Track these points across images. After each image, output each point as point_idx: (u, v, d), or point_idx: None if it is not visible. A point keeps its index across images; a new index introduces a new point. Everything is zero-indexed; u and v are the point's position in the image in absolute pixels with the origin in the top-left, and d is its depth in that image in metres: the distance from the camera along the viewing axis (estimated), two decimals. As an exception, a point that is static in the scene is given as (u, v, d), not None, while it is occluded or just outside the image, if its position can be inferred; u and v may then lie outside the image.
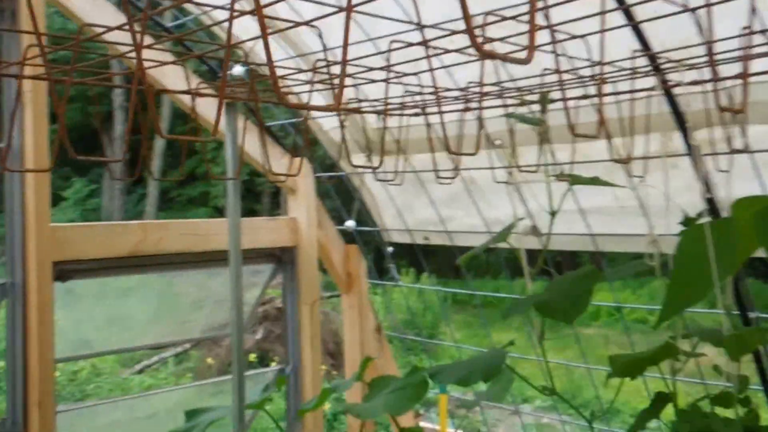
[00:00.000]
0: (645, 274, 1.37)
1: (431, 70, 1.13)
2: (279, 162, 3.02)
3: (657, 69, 1.61)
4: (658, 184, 1.94)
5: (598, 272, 1.44)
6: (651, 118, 1.81)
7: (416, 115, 2.03)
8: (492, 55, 0.58)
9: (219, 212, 15.77)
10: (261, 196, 16.95)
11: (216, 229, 2.67)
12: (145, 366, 8.83)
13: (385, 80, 1.51)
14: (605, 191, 2.23)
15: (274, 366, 4.47)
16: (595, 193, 2.26)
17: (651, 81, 1.73)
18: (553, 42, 1.15)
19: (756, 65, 1.65)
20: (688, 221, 1.32)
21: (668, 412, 1.19)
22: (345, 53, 0.74)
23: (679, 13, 1.35)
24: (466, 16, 0.54)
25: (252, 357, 7.80)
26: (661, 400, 1.20)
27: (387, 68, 1.46)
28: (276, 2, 0.83)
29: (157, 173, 15.98)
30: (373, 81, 1.48)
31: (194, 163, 15.81)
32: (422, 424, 3.21)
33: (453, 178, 2.02)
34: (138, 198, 17.56)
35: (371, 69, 1.51)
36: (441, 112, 1.78)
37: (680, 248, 1.18)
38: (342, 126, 1.70)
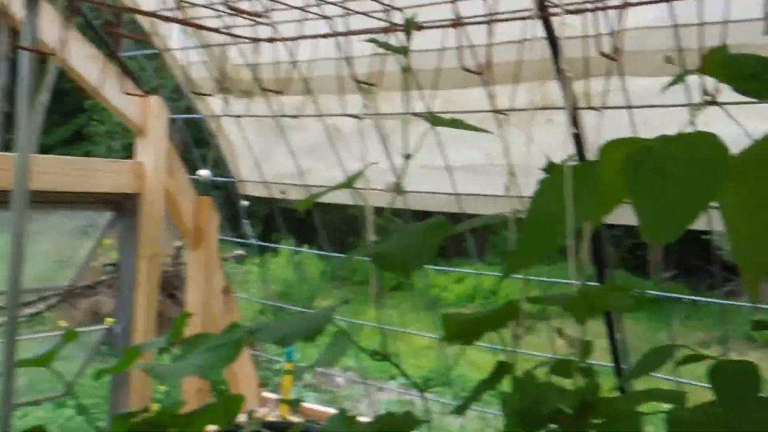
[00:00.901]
0: (499, 225, 1.18)
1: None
2: (129, 99, 2.70)
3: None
4: (530, 140, 1.78)
5: (446, 223, 1.25)
6: (528, 65, 1.64)
7: (270, 40, 1.77)
8: None
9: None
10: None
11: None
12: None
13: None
14: (476, 146, 2.06)
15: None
16: (463, 149, 2.09)
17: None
18: None
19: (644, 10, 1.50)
20: (551, 167, 1.14)
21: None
22: None
23: None
24: None
25: (108, 321, 7.34)
26: (501, 370, 1.02)
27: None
28: None
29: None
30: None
31: (82, 121, 14.93)
32: (266, 394, 2.99)
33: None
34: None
35: None
36: (298, 38, 1.54)
37: (537, 192, 1.00)
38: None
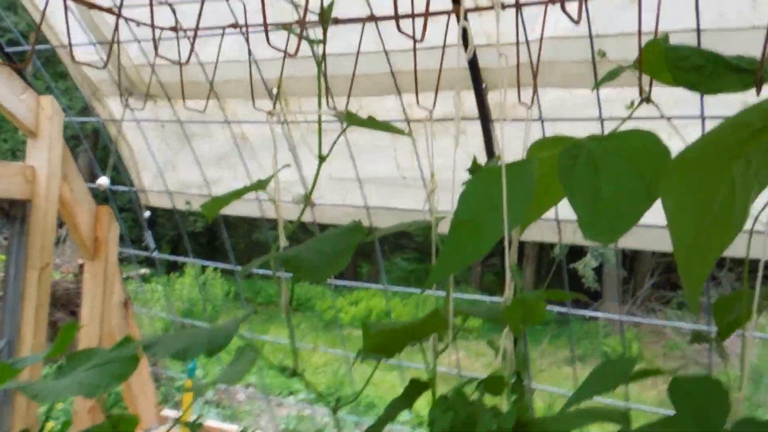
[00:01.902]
0: (418, 231, 1.07)
1: None
2: (19, 98, 2.46)
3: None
4: (443, 152, 1.69)
5: (362, 228, 1.13)
6: (445, 73, 1.54)
7: (173, 29, 1.61)
8: None
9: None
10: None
11: None
12: None
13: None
14: (387, 158, 1.95)
15: None
16: (375, 159, 1.97)
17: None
18: None
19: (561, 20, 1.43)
20: (475, 167, 1.04)
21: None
22: None
23: None
24: None
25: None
26: (416, 387, 0.90)
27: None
28: None
29: None
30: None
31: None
32: (167, 412, 2.77)
33: (202, 111, 1.65)
34: None
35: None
36: (205, 29, 1.38)
37: (465, 193, 0.90)
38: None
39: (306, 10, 1.14)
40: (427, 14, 0.88)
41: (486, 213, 0.85)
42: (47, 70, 2.84)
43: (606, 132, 1.59)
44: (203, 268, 11.42)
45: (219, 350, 1.09)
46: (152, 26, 1.05)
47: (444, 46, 0.93)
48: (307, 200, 1.33)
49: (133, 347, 1.16)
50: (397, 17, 0.76)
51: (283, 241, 1.22)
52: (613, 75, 0.90)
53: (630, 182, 0.77)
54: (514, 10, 1.24)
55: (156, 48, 1.09)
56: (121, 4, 1.00)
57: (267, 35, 0.85)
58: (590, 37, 1.38)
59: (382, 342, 0.89)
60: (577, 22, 0.66)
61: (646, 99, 0.88)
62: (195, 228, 13.40)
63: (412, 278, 14.67)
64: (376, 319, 12.09)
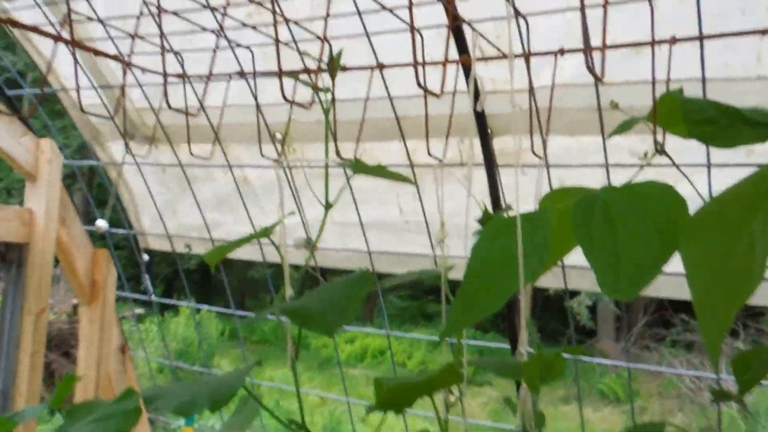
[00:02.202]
0: (429, 280, 1.05)
1: None
2: (19, 141, 2.46)
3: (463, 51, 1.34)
4: (447, 197, 1.68)
5: (371, 276, 1.11)
6: (451, 119, 1.54)
7: (180, 76, 1.60)
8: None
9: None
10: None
11: None
12: None
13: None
14: (389, 202, 1.94)
15: None
16: (378, 204, 1.96)
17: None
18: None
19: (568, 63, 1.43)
20: (486, 217, 1.03)
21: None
22: None
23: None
24: None
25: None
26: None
27: None
28: None
29: None
30: None
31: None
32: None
33: (208, 158, 1.64)
34: None
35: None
36: (211, 75, 1.39)
37: (477, 245, 0.88)
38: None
39: (321, 59, 1.13)
40: (446, 66, 0.88)
41: (500, 265, 0.84)
42: (44, 107, 2.83)
43: (614, 179, 1.59)
44: (187, 295, 11.36)
45: (223, 405, 1.06)
46: (164, 75, 1.04)
47: (454, 93, 0.92)
48: (312, 248, 1.31)
49: (135, 400, 1.13)
50: (416, 72, 0.76)
51: (289, 291, 1.21)
52: (627, 126, 0.90)
53: (647, 236, 0.76)
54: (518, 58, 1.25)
55: (166, 98, 1.08)
56: (131, 53, 1.00)
57: (282, 91, 0.84)
58: (596, 85, 1.38)
59: (393, 397, 0.87)
60: (600, 80, 0.66)
61: (660, 151, 0.88)
62: (189, 265, 13.37)
63: (405, 315, 14.63)
64: (371, 358, 12.05)
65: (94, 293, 2.61)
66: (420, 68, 1.21)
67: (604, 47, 0.80)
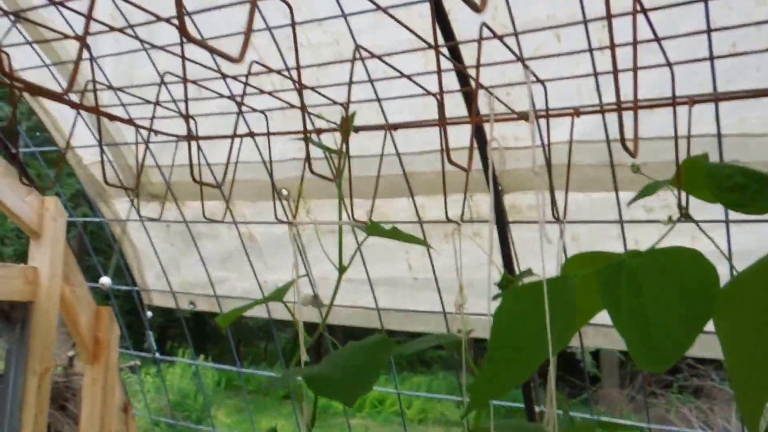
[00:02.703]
0: (448, 347, 1.03)
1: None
2: (24, 199, 2.45)
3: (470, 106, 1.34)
4: (458, 253, 1.66)
5: (390, 342, 1.09)
6: (456, 175, 1.53)
7: (189, 138, 1.59)
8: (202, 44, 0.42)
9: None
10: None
11: None
12: None
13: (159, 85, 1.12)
14: (398, 259, 1.92)
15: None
16: (386, 261, 1.95)
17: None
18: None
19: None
20: (506, 281, 1.01)
21: None
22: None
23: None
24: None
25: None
26: None
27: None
28: None
29: None
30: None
31: None
32: None
33: (221, 221, 1.63)
34: None
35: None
36: (221, 137, 1.38)
37: (499, 314, 0.86)
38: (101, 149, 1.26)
39: (346, 120, 1.13)
40: (472, 148, 0.87)
41: (526, 334, 0.82)
42: (41, 154, 2.83)
43: (627, 236, 1.57)
44: (192, 354, 11.28)
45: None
46: (187, 138, 1.04)
47: (471, 156, 0.91)
48: (326, 308, 1.29)
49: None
50: (448, 153, 0.75)
51: (304, 356, 1.18)
52: (650, 190, 0.89)
53: (678, 306, 0.75)
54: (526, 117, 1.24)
55: (191, 164, 1.08)
56: (153, 121, 0.99)
57: (309, 164, 0.84)
58: (608, 142, 1.38)
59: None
60: (628, 150, 0.65)
61: (685, 215, 0.86)
62: (184, 313, 13.25)
63: (404, 362, 14.49)
64: (370, 408, 11.89)
65: (97, 352, 2.57)
66: (441, 132, 1.21)
67: (619, 108, 0.79)
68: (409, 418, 11.21)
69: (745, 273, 0.74)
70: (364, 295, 1.99)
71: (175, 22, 0.91)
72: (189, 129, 1.21)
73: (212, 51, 0.36)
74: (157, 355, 2.75)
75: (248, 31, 0.35)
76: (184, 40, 0.49)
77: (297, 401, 1.23)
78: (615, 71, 0.71)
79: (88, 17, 0.55)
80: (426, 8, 1.49)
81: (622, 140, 0.62)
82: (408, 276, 1.93)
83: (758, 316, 0.72)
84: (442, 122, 0.93)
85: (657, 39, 0.76)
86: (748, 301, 0.73)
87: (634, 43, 0.73)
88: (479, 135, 1.45)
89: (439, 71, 0.72)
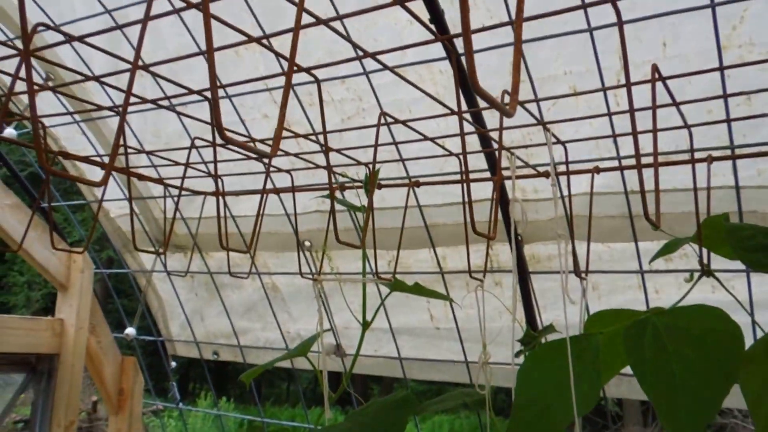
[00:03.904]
0: (471, 407, 1.02)
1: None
2: (52, 252, 2.48)
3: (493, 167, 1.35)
4: (482, 310, 1.66)
5: (414, 399, 1.09)
6: (477, 226, 1.53)
7: (217, 194, 1.61)
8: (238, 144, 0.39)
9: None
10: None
11: None
12: None
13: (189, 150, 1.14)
14: (420, 309, 1.92)
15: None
16: (408, 311, 1.94)
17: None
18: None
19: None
20: (529, 338, 1.00)
21: None
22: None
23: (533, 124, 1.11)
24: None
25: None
26: None
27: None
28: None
29: None
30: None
31: (1, 271, 14.14)
32: None
33: (245, 277, 1.64)
34: None
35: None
36: (245, 192, 1.39)
37: (523, 373, 0.86)
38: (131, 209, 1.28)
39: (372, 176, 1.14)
40: (495, 211, 0.88)
41: (551, 394, 0.81)
42: (64, 199, 2.86)
43: (648, 285, 1.55)
44: (215, 401, 11.22)
45: None
46: (198, 193, 1.05)
47: (495, 221, 0.92)
48: (352, 366, 1.29)
49: None
50: (473, 221, 0.75)
51: (328, 414, 1.18)
52: (672, 248, 0.88)
53: (705, 367, 0.74)
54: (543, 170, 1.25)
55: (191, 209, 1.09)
56: (182, 179, 1.01)
57: (335, 225, 0.85)
58: (626, 194, 1.38)
59: None
60: (652, 222, 0.65)
61: (707, 272, 0.86)
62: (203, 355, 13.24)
63: (424, 400, 14.27)
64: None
65: (122, 402, 2.57)
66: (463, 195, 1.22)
67: (638, 165, 0.80)
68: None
69: (765, 337, 0.73)
70: (386, 344, 1.98)
71: (208, 94, 0.94)
72: (217, 187, 1.23)
73: (248, 150, 0.37)
74: (181, 405, 2.74)
75: (279, 130, 0.36)
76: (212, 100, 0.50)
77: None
78: (635, 132, 0.72)
79: (128, 92, 0.57)
80: (446, 65, 1.51)
81: (646, 214, 0.62)
82: (430, 326, 1.92)
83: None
84: (466, 180, 0.94)
85: (675, 104, 0.77)
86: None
87: (654, 108, 0.74)
88: (500, 191, 1.45)
89: (462, 135, 0.73)
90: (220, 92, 1.78)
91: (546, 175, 1.09)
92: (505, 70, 1.47)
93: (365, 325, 1.22)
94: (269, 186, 1.74)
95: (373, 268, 1.40)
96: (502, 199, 1.45)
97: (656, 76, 0.68)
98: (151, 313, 2.64)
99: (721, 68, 0.88)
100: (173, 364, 2.69)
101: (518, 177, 1.21)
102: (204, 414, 10.62)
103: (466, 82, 1.28)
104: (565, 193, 1.39)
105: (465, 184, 0.93)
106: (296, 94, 1.66)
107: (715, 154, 0.94)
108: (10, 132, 2.15)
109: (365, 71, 1.50)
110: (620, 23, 0.65)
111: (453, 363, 1.90)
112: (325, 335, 2.14)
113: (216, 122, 0.33)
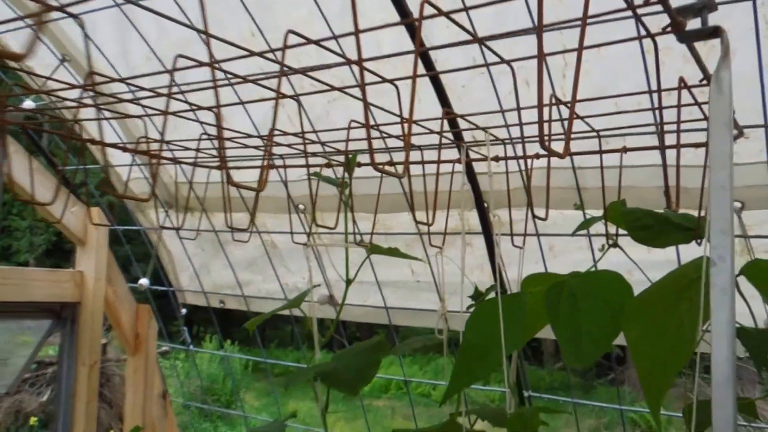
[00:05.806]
0: (433, 348, 1.25)
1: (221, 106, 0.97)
2: (70, 210, 2.69)
3: (459, 138, 1.55)
4: (452, 260, 1.88)
5: (386, 344, 1.32)
6: (453, 194, 1.74)
7: (218, 168, 1.82)
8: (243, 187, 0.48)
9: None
10: (71, 254, 15.30)
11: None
12: None
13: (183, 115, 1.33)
14: (402, 264, 2.14)
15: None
16: (392, 266, 2.17)
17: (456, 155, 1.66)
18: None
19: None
20: (477, 295, 1.23)
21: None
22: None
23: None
24: None
25: (33, 420, 6.94)
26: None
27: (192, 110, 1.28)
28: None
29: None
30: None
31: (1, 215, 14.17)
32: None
33: (246, 241, 1.85)
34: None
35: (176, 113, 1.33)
36: (242, 167, 1.59)
37: (470, 322, 1.08)
38: (153, 172, 1.48)
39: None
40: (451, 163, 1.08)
41: (489, 338, 1.03)
42: (79, 160, 3.05)
43: (595, 249, 1.76)
44: (221, 343, 11.51)
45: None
46: (206, 167, 1.25)
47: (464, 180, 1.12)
48: (338, 307, 1.51)
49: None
50: (418, 162, 0.96)
51: (318, 354, 1.40)
52: (588, 224, 1.09)
53: (602, 318, 0.95)
54: (504, 148, 1.45)
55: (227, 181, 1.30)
56: (194, 160, 1.21)
57: (313, 199, 1.05)
58: (573, 168, 1.58)
59: (406, 447, 1.06)
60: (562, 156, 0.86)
61: (613, 245, 1.07)
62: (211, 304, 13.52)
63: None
64: (396, 389, 12.12)
65: (138, 345, 2.81)
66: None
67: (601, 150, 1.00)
68: (435, 399, 11.40)
69: (646, 291, 0.95)
70: (373, 296, 2.21)
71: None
72: (225, 170, 1.43)
73: (250, 190, 0.55)
74: (191, 347, 2.98)
75: (263, 179, 0.54)
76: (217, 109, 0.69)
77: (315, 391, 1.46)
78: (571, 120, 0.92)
79: (165, 113, 0.76)
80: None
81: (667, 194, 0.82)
82: (411, 279, 2.15)
83: (658, 324, 0.93)
84: (438, 161, 1.13)
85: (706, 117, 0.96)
86: (648, 314, 0.94)
87: (678, 123, 0.94)
88: (469, 170, 1.67)
89: (441, 133, 0.93)
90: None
91: (497, 158, 1.30)
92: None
93: (348, 282, 1.44)
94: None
95: (359, 239, 1.62)
96: (469, 172, 1.66)
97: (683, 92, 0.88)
98: (162, 265, 2.87)
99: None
100: (183, 311, 2.92)
101: (476, 160, 1.41)
102: (210, 356, 10.93)
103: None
104: (523, 166, 1.60)
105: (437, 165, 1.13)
106: (291, 84, 1.85)
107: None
108: (29, 104, 2.33)
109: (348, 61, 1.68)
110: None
111: (431, 312, 2.13)
112: (322, 288, 2.37)
113: (227, 178, 0.52)
